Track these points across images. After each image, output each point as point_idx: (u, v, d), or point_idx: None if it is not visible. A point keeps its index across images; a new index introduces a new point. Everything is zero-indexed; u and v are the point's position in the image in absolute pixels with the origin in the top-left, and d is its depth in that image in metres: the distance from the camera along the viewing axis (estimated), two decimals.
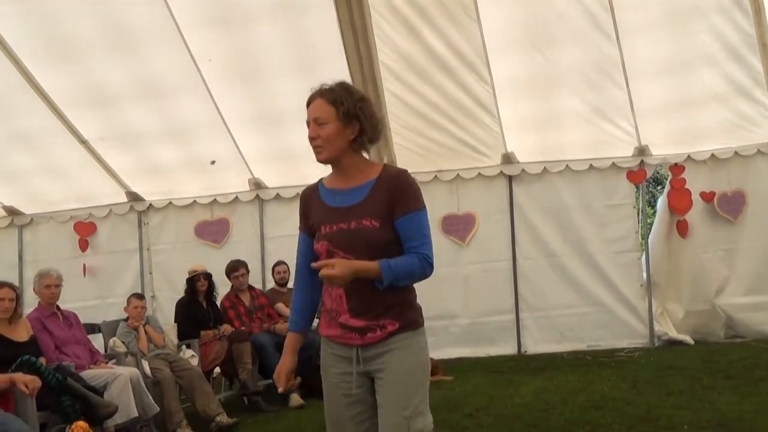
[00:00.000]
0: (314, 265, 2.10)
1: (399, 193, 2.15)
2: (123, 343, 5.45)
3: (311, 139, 2.17)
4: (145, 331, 5.56)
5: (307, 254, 2.28)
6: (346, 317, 2.19)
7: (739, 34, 6.06)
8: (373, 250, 2.11)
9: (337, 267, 2.04)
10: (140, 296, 5.91)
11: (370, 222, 2.13)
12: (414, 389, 2.15)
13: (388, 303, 2.15)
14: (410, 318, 2.19)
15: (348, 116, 2.13)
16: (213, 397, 5.26)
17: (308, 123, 2.18)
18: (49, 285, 4.97)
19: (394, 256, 2.12)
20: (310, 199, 2.31)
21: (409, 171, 2.25)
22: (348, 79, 6.13)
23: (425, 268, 2.14)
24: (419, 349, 2.20)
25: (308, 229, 2.29)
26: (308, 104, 2.19)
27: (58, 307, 5.07)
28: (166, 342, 5.69)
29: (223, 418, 5.05)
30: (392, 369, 2.15)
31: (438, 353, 6.22)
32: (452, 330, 7.17)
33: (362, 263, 2.09)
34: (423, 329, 2.24)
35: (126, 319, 5.64)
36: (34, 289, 5.03)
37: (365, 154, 2.25)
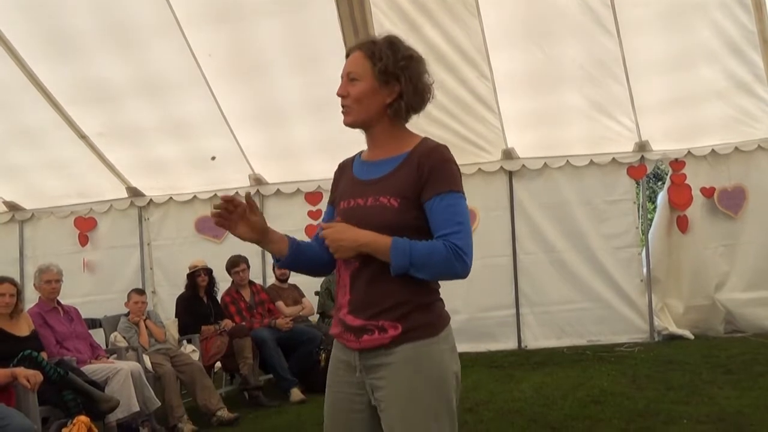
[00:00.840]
0: (322, 233, 1.80)
1: (430, 170, 1.77)
2: (124, 338, 5.47)
3: (340, 95, 1.86)
4: (146, 326, 5.58)
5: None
6: (345, 312, 1.85)
7: (739, 29, 6.06)
8: (386, 233, 1.76)
9: (342, 231, 1.75)
10: (141, 291, 5.92)
11: (387, 200, 1.79)
12: (422, 415, 1.74)
13: (393, 300, 1.78)
14: (419, 322, 1.78)
15: (386, 74, 1.80)
16: (214, 391, 5.28)
17: (342, 77, 1.87)
18: (50, 280, 4.99)
19: None
20: (343, 170, 2.00)
21: None
22: None
23: (453, 262, 1.71)
24: (432, 364, 1.77)
25: (332, 201, 2.01)
26: (347, 56, 1.88)
27: (58, 302, 5.09)
28: (167, 337, 5.71)
29: (224, 413, 5.07)
30: (391, 391, 1.77)
31: None
32: (452, 325, 7.15)
33: (374, 235, 1.73)
34: (443, 335, 1.82)
35: (127, 314, 5.66)
36: (34, 284, 5.05)
37: (406, 126, 1.92)
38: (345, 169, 2.01)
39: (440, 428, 1.77)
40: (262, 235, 1.92)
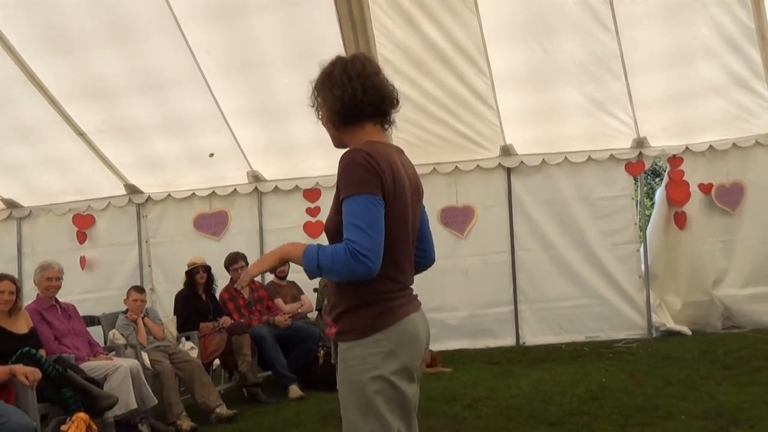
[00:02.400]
0: None
1: (338, 179, 1.90)
2: (122, 335, 5.47)
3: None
4: (144, 324, 5.57)
5: None
6: None
7: (738, 26, 6.06)
8: (329, 240, 1.95)
9: (272, 252, 1.92)
10: (140, 289, 5.90)
11: (332, 210, 1.96)
12: (351, 409, 1.89)
13: (333, 302, 1.97)
14: (347, 325, 1.92)
15: (318, 102, 2.04)
16: (212, 389, 5.28)
17: None
18: (51, 278, 4.99)
19: None
20: None
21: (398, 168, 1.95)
22: None
23: (351, 263, 1.76)
24: (353, 365, 1.88)
25: None
26: None
27: (56, 300, 5.08)
28: (165, 334, 5.71)
29: (222, 410, 5.07)
30: (338, 384, 1.97)
31: (437, 345, 6.24)
32: (451, 322, 7.19)
33: (292, 245, 1.91)
34: (373, 338, 1.88)
35: (125, 312, 5.66)
36: (34, 280, 5.04)
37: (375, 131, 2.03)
38: None
39: (370, 427, 1.87)
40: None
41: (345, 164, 1.86)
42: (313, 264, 1.82)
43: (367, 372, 1.87)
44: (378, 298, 1.90)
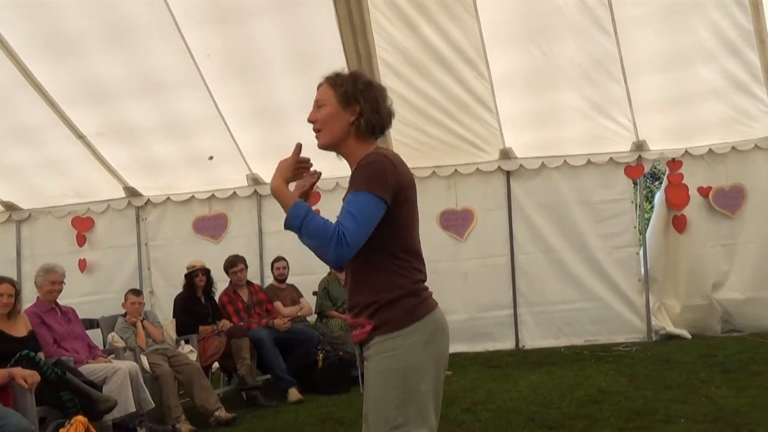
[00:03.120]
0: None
1: (351, 178, 1.99)
2: (121, 338, 5.46)
3: (310, 122, 2.12)
4: (144, 327, 5.57)
5: None
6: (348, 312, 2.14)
7: (737, 29, 6.07)
8: None
9: (277, 172, 2.10)
10: (137, 292, 5.90)
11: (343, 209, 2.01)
12: (387, 400, 1.94)
13: (366, 299, 2.01)
14: (386, 318, 1.98)
15: (347, 97, 2.04)
16: (212, 392, 5.28)
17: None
18: (55, 281, 4.99)
19: (372, 256, 1.97)
20: None
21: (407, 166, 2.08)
22: None
23: (330, 243, 1.85)
24: (396, 355, 1.95)
25: None
26: (318, 90, 2.14)
27: (56, 302, 5.08)
28: (164, 337, 5.70)
29: (221, 413, 5.07)
30: (368, 377, 2.03)
31: None
32: (450, 325, 7.11)
33: (287, 191, 2.09)
34: (414, 328, 1.98)
35: (124, 315, 5.65)
36: (36, 282, 5.02)
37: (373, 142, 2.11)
38: None
39: (404, 416, 1.93)
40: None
41: (365, 164, 1.96)
42: (296, 221, 1.90)
43: (409, 360, 1.95)
44: (414, 289, 2.02)
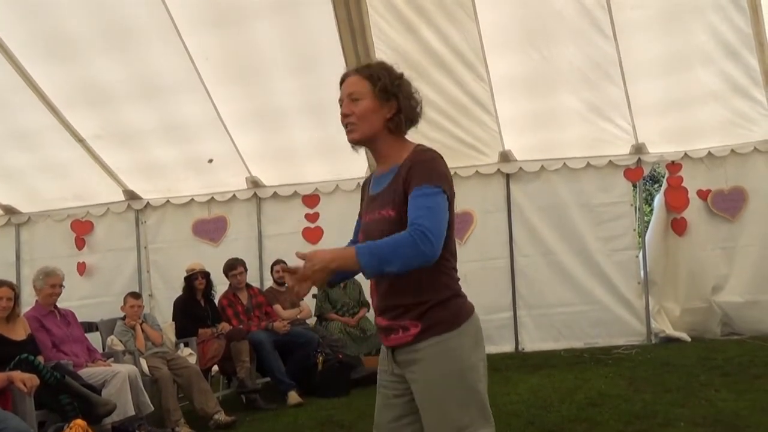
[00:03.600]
0: (298, 254, 1.83)
1: (410, 171, 1.90)
2: (121, 341, 5.46)
3: (344, 116, 2.01)
4: (143, 330, 5.56)
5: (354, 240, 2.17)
6: (376, 314, 2.06)
7: (735, 32, 6.07)
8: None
9: (312, 262, 1.77)
10: (136, 295, 5.90)
11: (387, 212, 1.95)
12: (450, 404, 1.90)
13: (411, 300, 1.93)
14: (437, 319, 1.92)
15: (385, 93, 1.98)
16: (211, 395, 5.27)
17: (341, 101, 2.02)
18: (54, 285, 4.99)
19: None
20: (364, 186, 2.18)
21: None
22: None
23: (417, 243, 1.76)
24: (453, 356, 1.91)
25: (359, 216, 2.17)
26: (342, 81, 2.05)
27: (55, 306, 5.07)
28: (163, 340, 5.70)
29: (221, 416, 5.06)
30: (422, 384, 1.94)
31: None
32: None
33: (339, 251, 1.82)
34: (464, 329, 1.94)
35: (123, 318, 5.65)
36: (35, 285, 5.02)
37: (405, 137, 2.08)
38: (365, 185, 2.19)
39: (470, 416, 1.91)
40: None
41: (427, 159, 1.92)
42: (374, 260, 1.76)
43: (465, 361, 1.92)
44: (458, 290, 2.00)
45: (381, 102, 1.98)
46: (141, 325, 5.59)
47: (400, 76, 2.03)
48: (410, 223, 1.81)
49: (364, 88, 1.99)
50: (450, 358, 1.91)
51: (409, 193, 1.87)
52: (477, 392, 1.94)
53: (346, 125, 2.01)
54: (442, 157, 1.96)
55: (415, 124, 2.07)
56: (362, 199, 2.19)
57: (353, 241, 2.17)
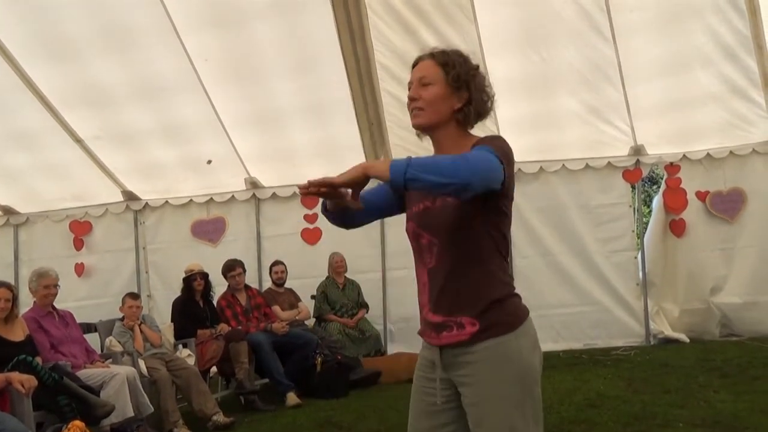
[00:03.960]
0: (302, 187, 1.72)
1: (474, 147, 1.82)
2: (119, 342, 5.45)
3: (411, 99, 1.92)
4: (141, 331, 5.55)
5: (372, 195, 2.00)
6: (426, 310, 1.92)
7: (734, 34, 6.08)
8: (453, 232, 1.83)
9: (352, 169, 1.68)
10: (135, 296, 5.88)
11: (452, 199, 1.83)
12: (506, 410, 1.79)
13: (470, 297, 1.83)
14: (495, 319, 1.82)
15: (458, 81, 1.89)
16: (210, 396, 5.26)
17: (410, 85, 1.93)
18: (48, 285, 4.97)
19: (482, 242, 1.82)
20: None
21: None
22: (344, 79, 6.17)
23: (491, 157, 1.70)
24: (511, 360, 1.80)
25: (407, 209, 2.01)
26: (414, 65, 1.96)
27: (53, 306, 5.07)
28: (162, 341, 5.69)
29: (219, 418, 5.05)
30: (476, 388, 1.83)
31: None
32: None
33: (372, 163, 1.73)
34: (521, 330, 1.84)
35: (122, 319, 5.64)
36: (30, 288, 5.01)
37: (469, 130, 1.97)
38: None
39: (525, 422, 1.81)
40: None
41: (497, 138, 1.86)
42: (402, 164, 1.62)
43: (523, 363, 1.82)
44: (513, 288, 1.91)
45: (452, 90, 1.89)
46: (140, 326, 5.58)
47: (476, 67, 1.94)
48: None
49: (436, 74, 1.90)
50: (509, 361, 1.80)
51: None
52: (533, 397, 1.83)
53: (411, 110, 1.92)
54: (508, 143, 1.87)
55: (484, 118, 1.98)
56: None
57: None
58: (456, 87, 1.89)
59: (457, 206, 1.82)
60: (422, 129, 1.94)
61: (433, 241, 1.88)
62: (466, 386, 1.85)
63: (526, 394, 1.81)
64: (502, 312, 1.84)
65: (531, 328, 1.89)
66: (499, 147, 1.79)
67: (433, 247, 1.89)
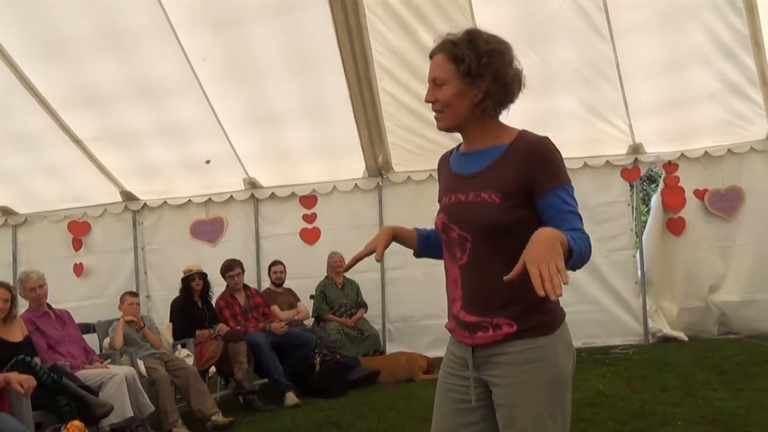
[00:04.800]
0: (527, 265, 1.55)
1: (537, 165, 1.76)
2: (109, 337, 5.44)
3: (428, 102, 1.86)
4: (144, 334, 5.54)
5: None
6: (458, 308, 1.87)
7: (732, 33, 6.09)
8: (489, 231, 1.77)
9: (540, 249, 1.54)
10: (133, 293, 5.89)
11: (489, 196, 1.78)
12: (538, 413, 1.75)
13: (507, 297, 1.77)
14: (534, 321, 1.77)
15: (470, 75, 1.79)
16: (208, 396, 5.27)
17: (429, 83, 1.87)
18: (33, 288, 4.95)
19: (512, 244, 1.71)
20: (442, 164, 2.01)
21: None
22: (343, 79, 6.17)
23: (589, 248, 1.72)
24: (547, 363, 1.77)
25: (439, 197, 1.96)
26: (431, 58, 1.87)
27: (49, 306, 5.06)
28: (162, 342, 5.69)
29: (218, 418, 5.06)
30: (508, 389, 1.78)
31: (435, 351, 6.23)
32: (447, 328, 7.16)
33: (557, 233, 1.61)
34: (558, 334, 1.80)
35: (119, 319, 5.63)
36: (20, 293, 4.98)
37: (500, 119, 1.91)
38: (443, 163, 2.01)
39: (554, 427, 1.77)
40: (391, 241, 1.98)
41: (547, 151, 1.79)
42: (576, 253, 1.64)
43: (557, 367, 1.78)
44: None
45: (466, 85, 1.80)
46: (143, 329, 5.55)
47: (490, 50, 1.80)
48: (574, 228, 1.73)
49: (447, 71, 1.81)
50: (544, 364, 1.76)
51: (542, 189, 1.76)
52: (564, 403, 1.79)
53: (434, 111, 1.87)
54: (554, 145, 1.85)
55: (509, 103, 1.89)
56: (439, 178, 2.02)
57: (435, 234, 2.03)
58: (470, 81, 1.80)
59: (495, 204, 1.78)
60: (449, 131, 1.89)
61: (465, 237, 1.82)
62: (498, 387, 1.81)
63: (558, 400, 1.78)
64: (541, 314, 1.79)
65: (566, 332, 1.86)
66: (564, 168, 1.81)
67: (465, 243, 1.83)
